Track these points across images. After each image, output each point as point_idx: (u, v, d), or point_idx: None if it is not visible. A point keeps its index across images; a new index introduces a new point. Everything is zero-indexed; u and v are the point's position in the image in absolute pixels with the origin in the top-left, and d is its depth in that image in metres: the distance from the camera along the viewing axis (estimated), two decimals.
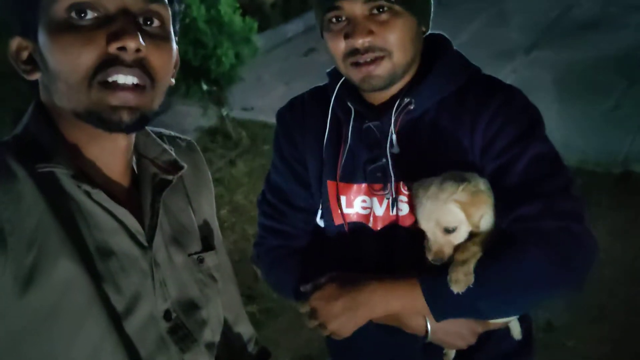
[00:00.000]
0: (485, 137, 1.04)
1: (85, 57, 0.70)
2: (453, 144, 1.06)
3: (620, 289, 2.53)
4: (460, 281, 0.95)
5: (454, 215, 0.97)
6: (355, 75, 1.05)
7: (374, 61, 1.02)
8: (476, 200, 0.97)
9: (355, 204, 1.14)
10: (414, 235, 1.06)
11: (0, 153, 0.73)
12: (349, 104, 1.13)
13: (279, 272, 1.22)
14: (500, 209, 1.01)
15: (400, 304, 1.02)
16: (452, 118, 1.07)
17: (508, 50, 5.10)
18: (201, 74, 3.75)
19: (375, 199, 1.12)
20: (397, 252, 1.11)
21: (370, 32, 1.01)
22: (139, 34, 0.71)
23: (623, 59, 4.52)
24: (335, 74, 1.15)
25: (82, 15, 0.71)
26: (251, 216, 3.52)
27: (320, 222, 1.20)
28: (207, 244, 0.94)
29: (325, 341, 1.36)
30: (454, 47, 1.13)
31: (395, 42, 1.02)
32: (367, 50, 1.02)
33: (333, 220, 1.17)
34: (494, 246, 0.99)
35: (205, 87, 3.83)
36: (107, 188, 0.78)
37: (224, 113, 4.19)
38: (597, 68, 4.49)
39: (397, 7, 1.01)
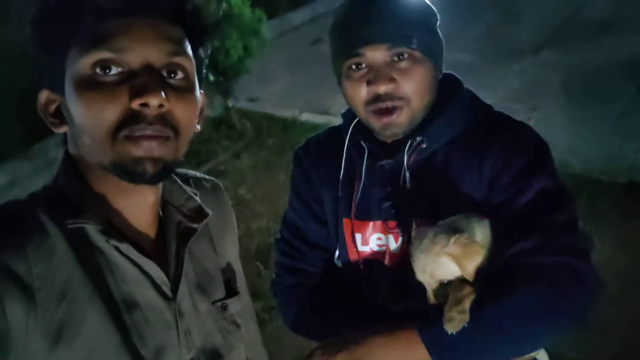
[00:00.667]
0: (492, 172, 1.06)
1: (108, 113, 0.71)
2: (463, 181, 1.08)
3: (624, 301, 2.53)
4: (455, 320, 0.95)
5: (447, 268, 0.97)
6: (376, 123, 1.07)
7: (395, 110, 1.04)
8: (468, 252, 0.96)
9: (371, 242, 1.16)
10: None
11: (31, 208, 0.74)
12: (362, 143, 1.15)
13: (296, 312, 1.24)
14: (500, 244, 1.01)
15: (401, 354, 1.00)
16: (462, 156, 1.09)
17: (517, 49, 5.06)
18: (209, 65, 3.72)
19: (390, 236, 1.14)
20: (412, 288, 1.10)
21: (392, 80, 1.03)
22: (162, 90, 0.72)
23: (633, 64, 4.48)
24: (349, 115, 1.18)
25: (107, 71, 0.72)
26: (255, 212, 3.52)
27: (337, 263, 1.22)
28: (230, 289, 0.95)
29: None
30: (465, 86, 1.16)
31: (415, 90, 1.05)
32: (387, 97, 1.04)
33: (349, 257, 1.19)
34: (490, 284, 0.98)
35: (212, 78, 3.81)
36: (134, 238, 0.80)
37: (230, 104, 4.17)
38: (606, 72, 4.46)
39: (417, 54, 1.04)
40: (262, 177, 3.86)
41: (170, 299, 0.81)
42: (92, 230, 0.75)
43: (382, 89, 1.03)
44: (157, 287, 0.80)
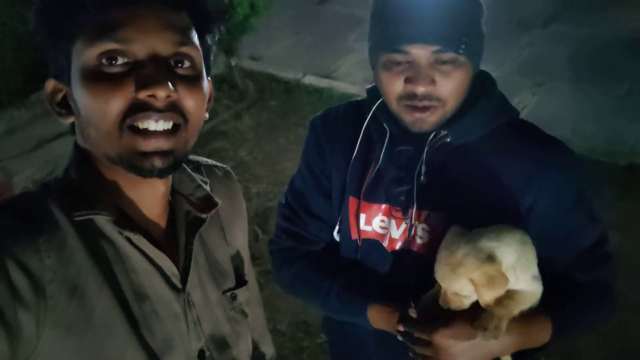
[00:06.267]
0: (539, 195, 1.06)
1: (113, 103, 0.70)
2: (482, 184, 1.07)
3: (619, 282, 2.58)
4: (489, 334, 0.98)
5: (465, 288, 0.97)
6: (407, 117, 1.06)
7: (428, 109, 1.03)
8: (491, 283, 0.96)
9: (374, 223, 1.16)
10: (426, 263, 1.07)
11: (43, 199, 0.74)
12: (385, 125, 1.13)
13: (288, 272, 1.26)
14: (566, 266, 1.10)
15: (530, 342, 1.06)
16: (487, 159, 1.08)
17: (527, 20, 4.96)
18: None
19: (393, 221, 1.14)
20: (407, 275, 1.13)
21: (433, 82, 1.01)
22: (169, 80, 0.71)
23: None
24: (374, 92, 1.14)
25: (113, 62, 0.71)
26: (254, 175, 3.51)
27: (336, 236, 1.23)
28: (239, 278, 0.95)
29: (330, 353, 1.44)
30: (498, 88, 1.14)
31: (452, 93, 1.03)
32: (424, 97, 1.01)
33: (350, 235, 1.19)
34: (565, 291, 1.08)
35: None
36: (145, 229, 0.79)
37: (233, 63, 4.10)
38: (614, 49, 4.39)
39: (462, 59, 1.01)
40: (263, 139, 3.84)
41: (179, 290, 0.81)
42: (104, 221, 0.75)
43: (420, 90, 1.01)
44: (166, 279, 0.80)
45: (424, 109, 1.03)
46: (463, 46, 0.99)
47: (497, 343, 0.99)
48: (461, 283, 0.96)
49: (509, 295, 0.98)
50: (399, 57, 1.02)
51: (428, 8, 0.98)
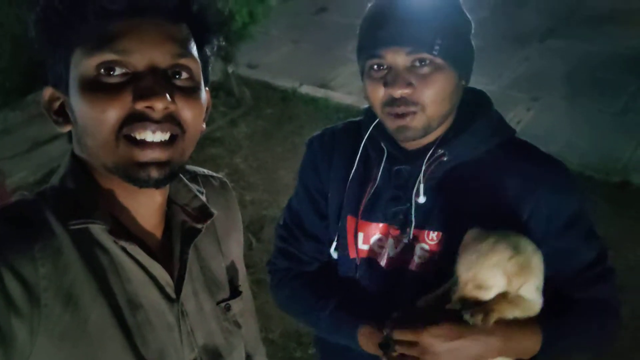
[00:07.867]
0: (535, 213, 1.06)
1: (110, 113, 0.70)
2: (480, 203, 1.06)
3: None
4: (477, 323, 0.97)
5: (494, 279, 0.97)
6: (391, 124, 1.07)
7: (408, 115, 1.04)
8: (523, 273, 0.97)
9: (372, 241, 1.16)
10: (423, 282, 1.08)
11: (39, 208, 0.74)
12: (383, 144, 1.14)
13: (284, 292, 1.27)
14: (563, 283, 1.08)
15: (517, 349, 1.02)
16: (484, 178, 1.08)
17: (524, 34, 4.99)
18: None
19: (391, 240, 1.14)
20: (405, 294, 1.12)
21: (410, 85, 1.02)
22: (167, 92, 0.71)
23: (638, 58, 4.42)
24: (371, 113, 1.16)
25: (111, 72, 0.71)
26: (249, 182, 3.51)
27: (333, 253, 1.23)
28: (234, 289, 0.95)
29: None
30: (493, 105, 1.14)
31: (432, 97, 1.03)
32: (402, 102, 1.03)
33: (348, 253, 1.19)
34: (579, 308, 1.08)
35: None
36: (141, 238, 0.79)
37: (230, 70, 4.11)
38: (609, 65, 4.42)
39: (439, 61, 1.01)
40: (258, 147, 3.84)
41: (173, 300, 0.81)
42: (99, 230, 0.74)
43: (397, 93, 1.02)
44: (161, 289, 0.80)
45: (404, 115, 1.03)
46: (437, 47, 1.00)
47: (481, 345, 0.98)
48: (493, 273, 0.97)
49: (511, 298, 0.99)
50: (377, 61, 1.04)
51: (402, 14, 1.01)
